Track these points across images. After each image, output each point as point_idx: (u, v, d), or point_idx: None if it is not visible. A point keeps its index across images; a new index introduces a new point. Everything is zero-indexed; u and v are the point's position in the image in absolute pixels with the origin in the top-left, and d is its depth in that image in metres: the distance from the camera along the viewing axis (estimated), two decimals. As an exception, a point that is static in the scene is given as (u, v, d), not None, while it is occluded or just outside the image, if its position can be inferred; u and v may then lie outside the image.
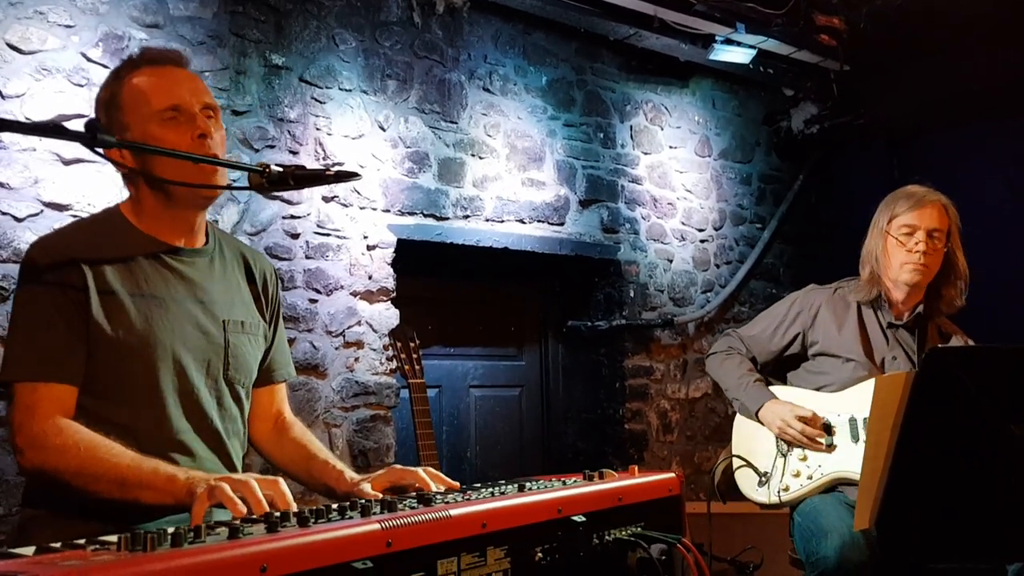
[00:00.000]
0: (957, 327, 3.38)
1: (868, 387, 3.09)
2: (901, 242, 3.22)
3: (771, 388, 3.39)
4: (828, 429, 3.19)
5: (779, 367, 3.49)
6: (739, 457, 3.30)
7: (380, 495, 1.99)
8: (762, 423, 3.28)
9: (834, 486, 3.12)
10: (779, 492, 3.18)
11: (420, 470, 2.07)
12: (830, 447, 3.17)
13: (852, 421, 3.12)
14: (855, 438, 3.10)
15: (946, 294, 3.28)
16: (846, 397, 3.17)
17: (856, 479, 3.01)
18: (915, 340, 3.27)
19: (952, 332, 3.35)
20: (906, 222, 3.24)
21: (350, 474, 2.21)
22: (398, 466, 2.13)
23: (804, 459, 3.18)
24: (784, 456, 3.22)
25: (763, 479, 3.23)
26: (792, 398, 3.31)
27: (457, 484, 2.03)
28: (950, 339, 3.33)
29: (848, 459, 3.08)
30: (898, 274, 3.23)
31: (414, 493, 1.82)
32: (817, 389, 3.28)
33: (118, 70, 2.19)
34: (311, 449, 2.36)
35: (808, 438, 3.17)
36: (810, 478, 3.14)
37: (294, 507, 1.76)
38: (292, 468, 2.38)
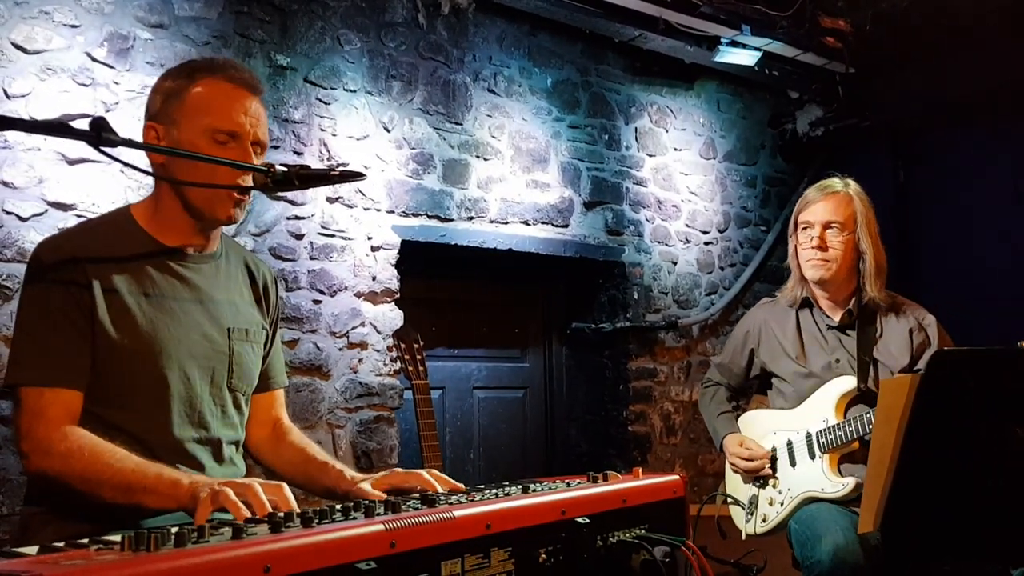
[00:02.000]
0: (913, 305, 3.23)
1: (816, 398, 3.13)
2: (801, 240, 3.22)
3: (749, 412, 3.44)
4: (773, 460, 3.21)
5: (759, 386, 3.50)
6: (727, 495, 3.32)
7: (382, 495, 1.99)
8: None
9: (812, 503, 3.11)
10: (756, 525, 3.20)
11: (424, 472, 2.05)
12: (773, 475, 3.19)
13: (808, 437, 3.11)
14: (812, 455, 3.09)
15: (869, 287, 3.15)
16: (800, 412, 3.17)
17: (822, 497, 3.02)
18: (855, 340, 3.18)
19: (900, 318, 3.19)
20: (803, 219, 3.24)
21: (350, 473, 2.19)
22: (400, 469, 2.12)
23: (775, 485, 3.19)
24: (758, 487, 3.25)
25: (748, 510, 3.24)
26: (758, 420, 3.35)
27: (462, 486, 2.02)
28: (890, 327, 3.18)
29: (810, 478, 3.08)
30: (806, 272, 3.21)
31: (418, 494, 1.81)
32: (782, 405, 3.28)
33: (194, 68, 2.17)
34: (309, 452, 2.35)
35: (751, 471, 3.23)
36: (782, 504, 3.15)
37: (298, 511, 1.76)
38: (290, 472, 2.35)
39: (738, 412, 3.47)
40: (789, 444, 3.16)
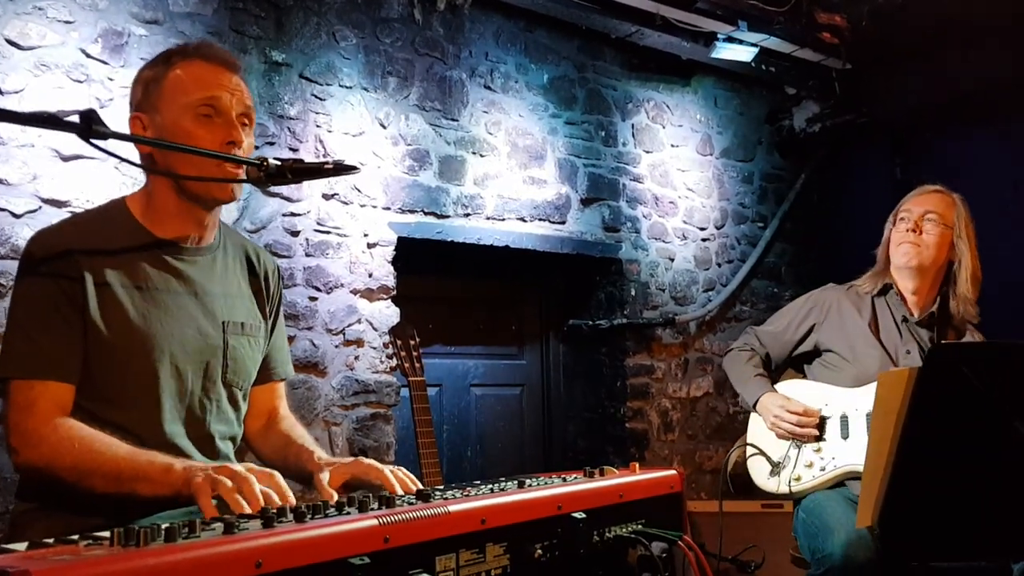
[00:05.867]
0: (976, 330, 3.33)
1: None
2: (897, 227, 3.29)
3: (789, 382, 3.41)
4: (822, 425, 3.19)
5: (795, 363, 3.49)
6: (752, 445, 3.30)
7: (334, 493, 1.96)
8: (760, 415, 3.32)
9: (842, 480, 3.10)
10: (790, 482, 3.17)
11: (387, 469, 2.00)
12: (819, 441, 3.18)
13: (869, 416, 3.08)
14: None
15: (960, 294, 3.24)
16: (864, 392, 3.14)
17: None
18: (932, 336, 3.25)
19: (970, 333, 3.30)
20: (904, 208, 3.31)
21: (319, 455, 2.18)
22: (365, 460, 2.07)
23: (819, 451, 3.18)
24: (799, 447, 3.21)
25: (775, 468, 3.22)
26: (806, 390, 3.32)
27: (414, 488, 1.95)
28: (964, 336, 3.29)
29: (863, 454, 3.06)
30: (895, 257, 3.28)
31: (384, 493, 1.74)
32: (834, 383, 3.27)
33: (169, 54, 2.17)
34: (291, 436, 2.34)
35: (800, 429, 3.19)
36: (823, 470, 3.13)
37: (292, 500, 1.74)
38: (274, 458, 2.33)
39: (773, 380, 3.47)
40: (844, 417, 3.16)
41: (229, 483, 1.70)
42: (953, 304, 3.26)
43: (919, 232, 3.22)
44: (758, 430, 3.35)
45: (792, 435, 3.22)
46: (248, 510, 1.65)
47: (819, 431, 3.19)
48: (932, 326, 3.27)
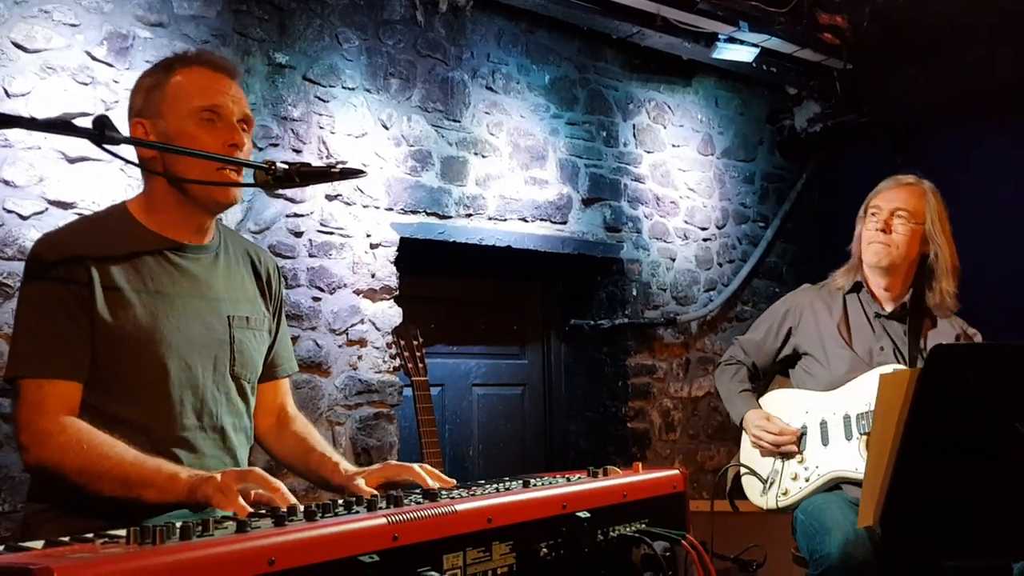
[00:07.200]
0: (956, 316, 3.28)
1: (861, 382, 3.11)
2: (867, 225, 3.26)
3: (773, 392, 3.43)
4: (802, 436, 3.20)
5: (781, 368, 3.50)
6: (744, 465, 3.32)
7: (374, 491, 2.00)
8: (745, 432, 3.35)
9: (835, 485, 3.12)
10: (777, 497, 3.19)
11: (416, 466, 2.07)
12: (798, 452, 3.19)
13: (846, 419, 3.11)
14: (849, 436, 3.09)
15: (937, 287, 3.20)
16: (840, 394, 3.16)
17: (853, 477, 3.02)
18: (905, 330, 3.22)
19: (950, 322, 3.26)
20: (872, 204, 3.27)
21: (345, 466, 2.22)
22: (393, 461, 2.13)
23: (802, 461, 3.18)
24: (784, 460, 3.23)
25: (766, 486, 3.24)
26: (787, 399, 3.34)
27: (453, 481, 2.03)
28: (939, 326, 3.25)
29: (844, 458, 3.08)
30: (866, 256, 3.25)
31: (416, 490, 1.81)
32: (812, 387, 3.28)
33: (171, 62, 2.22)
34: (310, 442, 2.38)
35: (777, 449, 3.22)
36: (807, 480, 3.14)
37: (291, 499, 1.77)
38: (291, 461, 2.40)
39: (758, 393, 3.47)
40: (823, 424, 3.16)
41: (240, 498, 1.73)
42: (930, 296, 3.21)
43: (888, 231, 3.18)
44: (749, 447, 3.37)
45: (772, 454, 3.25)
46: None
47: (799, 444, 3.20)
48: (905, 318, 3.24)
